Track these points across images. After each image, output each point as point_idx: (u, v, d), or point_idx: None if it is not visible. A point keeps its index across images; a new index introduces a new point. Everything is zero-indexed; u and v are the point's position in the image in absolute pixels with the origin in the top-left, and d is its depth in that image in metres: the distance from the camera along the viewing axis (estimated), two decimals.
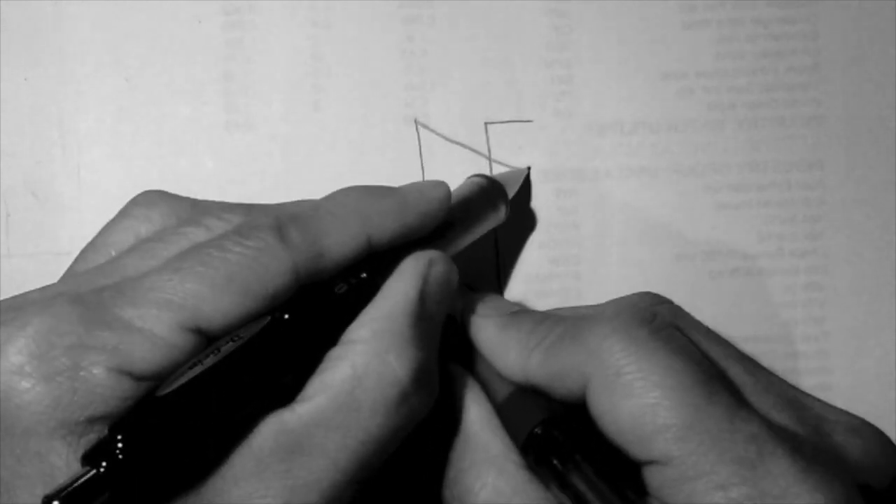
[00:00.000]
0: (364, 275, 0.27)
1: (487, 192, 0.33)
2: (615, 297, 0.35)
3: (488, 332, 0.29)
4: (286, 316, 0.25)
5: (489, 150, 0.36)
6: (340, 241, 0.26)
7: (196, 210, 0.27)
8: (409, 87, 0.36)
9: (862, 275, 0.35)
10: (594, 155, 0.36)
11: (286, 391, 0.24)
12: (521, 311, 0.30)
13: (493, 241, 0.36)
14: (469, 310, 0.30)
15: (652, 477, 0.24)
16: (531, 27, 0.36)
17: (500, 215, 0.34)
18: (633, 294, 0.29)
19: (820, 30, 0.36)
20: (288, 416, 0.24)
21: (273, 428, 0.23)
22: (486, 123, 0.36)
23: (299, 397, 0.24)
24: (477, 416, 0.27)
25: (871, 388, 0.35)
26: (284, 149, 0.36)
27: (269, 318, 0.25)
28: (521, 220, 0.36)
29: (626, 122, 0.36)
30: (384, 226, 0.27)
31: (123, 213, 0.28)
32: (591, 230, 0.36)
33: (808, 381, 0.35)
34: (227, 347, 0.23)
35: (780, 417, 0.25)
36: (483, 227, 0.33)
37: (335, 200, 0.27)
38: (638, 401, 0.24)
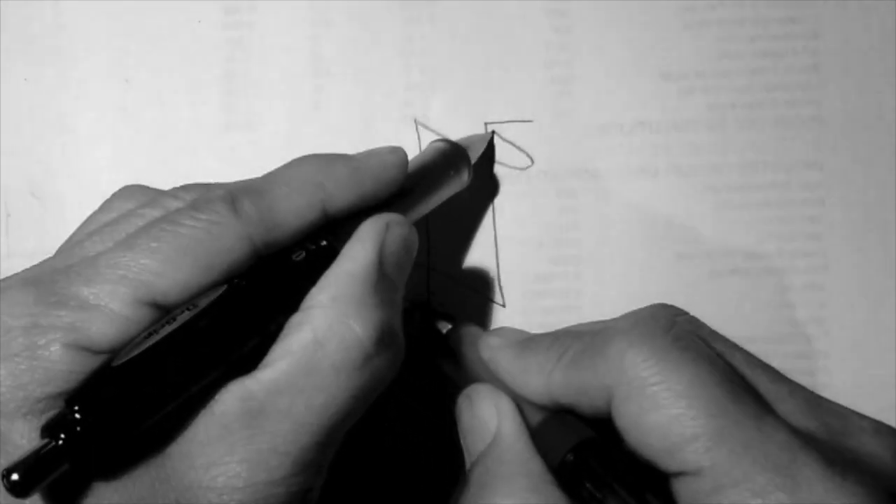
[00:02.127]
0: (324, 242, 0.27)
1: (449, 156, 0.33)
2: (615, 296, 0.35)
3: (506, 361, 0.28)
4: (236, 281, 0.25)
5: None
6: (294, 210, 0.26)
7: (160, 193, 0.28)
8: (409, 87, 0.36)
9: (862, 275, 0.35)
10: (594, 155, 0.36)
11: (249, 359, 0.24)
12: (535, 335, 0.29)
13: (493, 239, 0.36)
14: (483, 346, 0.29)
15: (683, 488, 0.24)
16: (531, 27, 0.36)
17: (462, 179, 0.34)
18: (649, 306, 0.29)
19: (820, 30, 0.36)
20: (250, 383, 0.24)
21: (236, 394, 0.24)
22: (486, 123, 0.36)
23: (262, 364, 0.24)
24: (513, 430, 0.27)
25: (872, 388, 0.35)
26: (284, 149, 0.36)
27: (225, 286, 0.25)
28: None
29: (626, 122, 0.36)
30: (339, 193, 0.27)
31: (102, 207, 0.28)
32: (591, 230, 0.36)
33: (808, 382, 0.35)
34: (183, 316, 0.24)
35: (806, 423, 0.25)
36: (445, 191, 0.33)
37: (289, 170, 0.28)
38: (665, 412, 0.24)
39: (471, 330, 0.31)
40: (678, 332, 0.26)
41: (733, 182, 0.36)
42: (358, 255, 0.27)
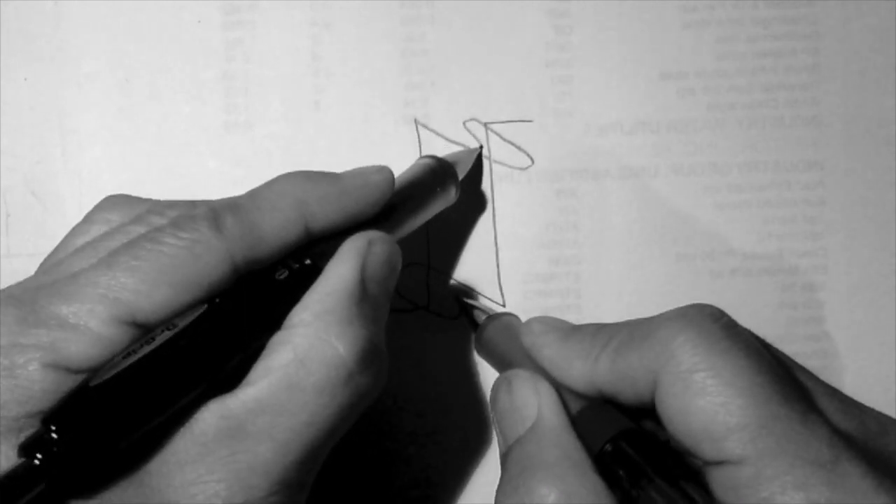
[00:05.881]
0: (307, 261, 0.27)
1: (436, 172, 0.33)
2: (615, 297, 0.35)
3: (551, 348, 0.28)
4: (217, 300, 0.25)
5: (489, 150, 0.36)
6: (277, 228, 0.26)
7: (145, 209, 0.27)
8: (409, 87, 0.36)
9: (862, 275, 0.35)
10: (594, 155, 0.36)
11: (230, 378, 0.24)
12: (578, 325, 0.29)
13: (493, 239, 0.36)
14: (525, 331, 0.29)
15: (722, 478, 0.23)
16: (531, 27, 0.36)
17: (450, 196, 0.34)
18: (691, 304, 0.28)
19: (820, 30, 0.36)
20: (230, 401, 0.24)
21: (216, 413, 0.24)
22: (486, 123, 0.36)
23: (243, 383, 0.24)
24: (554, 415, 0.27)
25: (872, 388, 0.35)
26: (284, 149, 0.36)
27: (205, 306, 0.25)
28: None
29: (626, 122, 0.36)
30: (322, 212, 0.27)
31: (86, 219, 0.28)
32: (591, 230, 0.36)
33: None
34: (162, 336, 0.24)
35: (845, 423, 0.25)
36: (432, 208, 0.33)
37: (272, 188, 0.27)
38: (711, 399, 0.23)
39: (509, 319, 0.31)
40: (728, 322, 0.25)
41: (733, 182, 0.36)
42: (340, 272, 0.26)
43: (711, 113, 0.36)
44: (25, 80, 0.36)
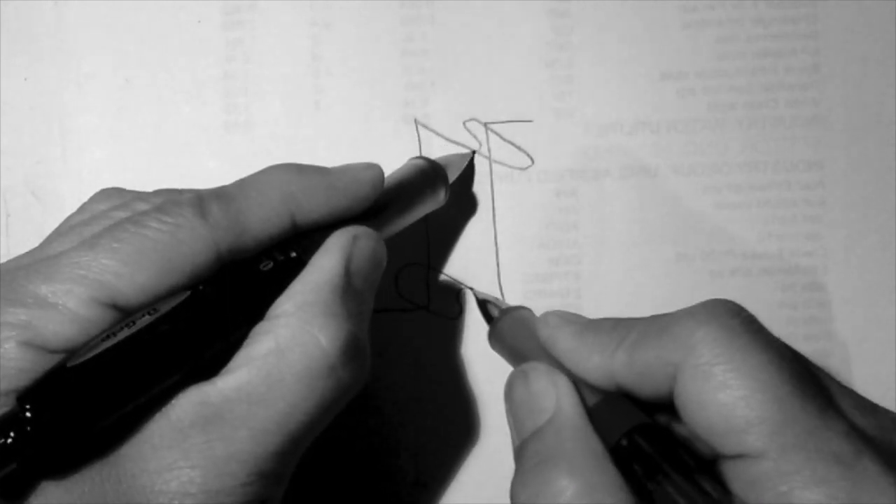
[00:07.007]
0: (293, 253, 0.27)
1: (426, 174, 0.33)
2: (615, 297, 0.35)
3: (567, 341, 0.28)
4: (200, 287, 0.25)
5: (489, 150, 0.36)
6: (263, 217, 0.26)
7: (132, 197, 0.27)
8: (409, 86, 0.36)
9: (862, 275, 0.35)
10: (594, 155, 0.36)
11: (210, 366, 0.24)
12: (596, 319, 0.29)
13: (493, 239, 0.36)
14: (541, 324, 0.29)
15: (740, 472, 0.23)
16: (531, 27, 0.36)
17: (439, 198, 0.34)
18: (709, 300, 0.28)
19: (820, 30, 0.36)
20: (209, 389, 0.24)
21: (193, 399, 0.23)
22: (486, 123, 0.36)
23: (223, 371, 0.24)
24: (573, 408, 0.26)
25: (872, 389, 0.35)
26: (284, 149, 0.36)
27: (188, 293, 0.25)
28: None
29: (626, 122, 0.36)
30: (310, 205, 0.27)
31: (79, 210, 0.28)
32: (591, 230, 0.36)
33: None
34: (143, 321, 0.23)
35: (862, 422, 0.25)
36: (420, 209, 0.33)
37: (260, 178, 0.27)
38: (732, 392, 0.23)
39: (523, 313, 0.31)
40: (747, 317, 0.25)
41: (733, 182, 0.36)
42: (324, 265, 0.26)
43: (711, 113, 0.36)
44: (25, 80, 0.36)
